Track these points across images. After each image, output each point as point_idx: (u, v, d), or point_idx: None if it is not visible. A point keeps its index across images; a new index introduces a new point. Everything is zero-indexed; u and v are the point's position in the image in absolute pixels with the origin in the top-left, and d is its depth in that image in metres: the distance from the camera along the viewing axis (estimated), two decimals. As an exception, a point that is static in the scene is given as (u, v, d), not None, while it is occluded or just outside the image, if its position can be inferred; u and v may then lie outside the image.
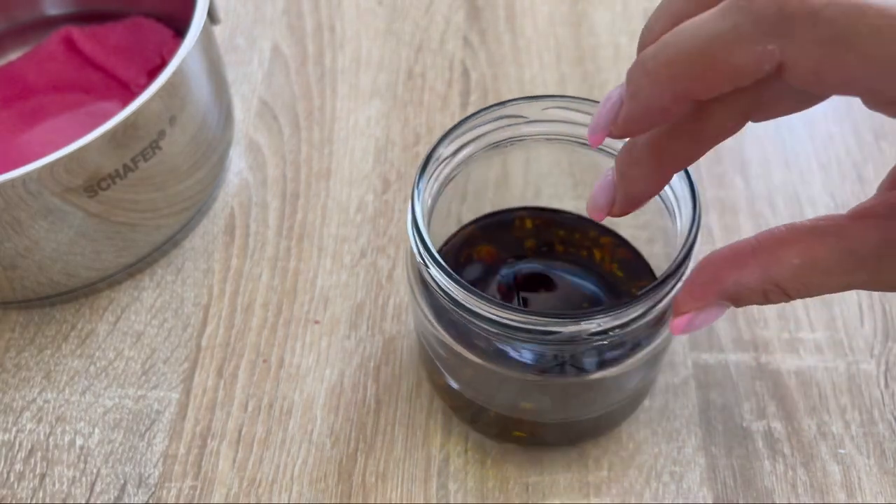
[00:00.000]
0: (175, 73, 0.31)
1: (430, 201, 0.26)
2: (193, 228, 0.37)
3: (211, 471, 0.30)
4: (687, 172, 0.25)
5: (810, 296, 0.21)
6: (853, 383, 0.31)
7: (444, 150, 0.26)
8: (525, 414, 0.28)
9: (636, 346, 0.26)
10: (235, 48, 0.44)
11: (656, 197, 0.26)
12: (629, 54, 0.43)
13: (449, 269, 0.24)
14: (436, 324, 0.26)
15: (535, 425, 0.29)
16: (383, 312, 0.34)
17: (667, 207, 0.27)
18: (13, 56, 0.41)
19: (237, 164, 0.39)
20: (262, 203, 0.38)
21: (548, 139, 0.28)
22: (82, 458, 0.30)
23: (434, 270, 0.24)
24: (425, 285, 0.26)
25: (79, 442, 0.31)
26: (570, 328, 0.23)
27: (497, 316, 0.23)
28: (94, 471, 0.30)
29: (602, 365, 0.26)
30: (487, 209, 0.32)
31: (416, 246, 0.25)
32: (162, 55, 0.39)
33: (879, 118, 0.40)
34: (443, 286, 0.24)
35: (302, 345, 0.33)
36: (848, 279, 0.20)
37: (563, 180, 0.32)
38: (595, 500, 0.29)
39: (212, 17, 0.34)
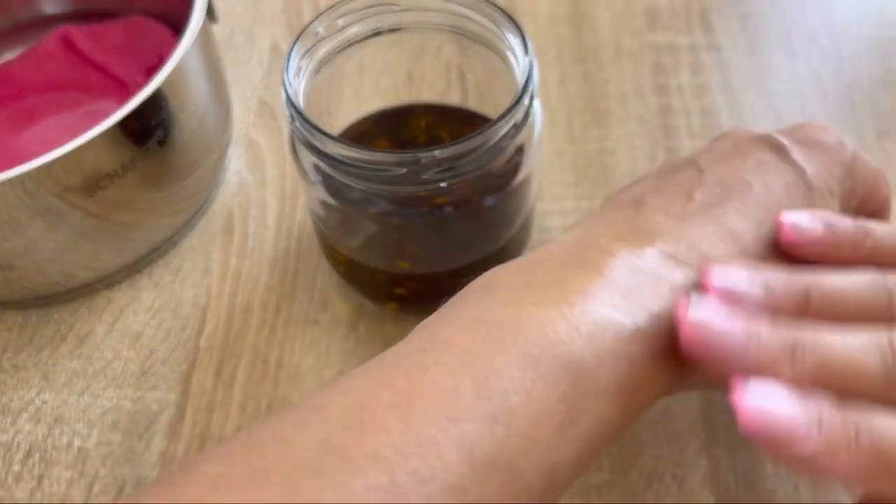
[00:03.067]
0: (173, 72, 0.31)
1: (306, 81, 0.29)
2: (192, 228, 0.37)
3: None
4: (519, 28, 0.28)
5: None
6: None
7: (320, 28, 0.29)
8: (407, 263, 0.31)
9: (486, 184, 0.28)
10: (234, 47, 0.44)
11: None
12: (630, 53, 0.43)
13: (311, 120, 0.26)
14: (317, 186, 0.29)
15: (425, 279, 0.31)
16: (383, 313, 0.34)
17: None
18: (11, 55, 0.41)
19: (236, 163, 0.39)
20: (261, 203, 0.38)
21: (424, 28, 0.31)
22: (80, 459, 0.30)
23: (298, 123, 0.26)
24: (300, 153, 0.29)
25: (77, 443, 0.31)
26: (409, 159, 0.25)
27: (350, 157, 0.26)
28: (93, 472, 0.30)
29: (458, 203, 0.28)
30: (372, 101, 0.35)
31: (288, 104, 0.27)
32: (160, 54, 0.39)
33: (882, 117, 0.39)
34: (309, 140, 0.26)
35: (301, 345, 0.33)
36: None
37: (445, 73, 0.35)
38: (597, 501, 0.28)
39: (210, 15, 0.34)
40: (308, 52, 0.29)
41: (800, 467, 0.19)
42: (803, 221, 0.22)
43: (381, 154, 0.26)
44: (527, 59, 0.27)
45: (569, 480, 0.19)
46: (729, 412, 0.30)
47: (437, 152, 0.25)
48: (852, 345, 0.19)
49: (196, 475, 0.17)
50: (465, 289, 0.22)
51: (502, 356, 0.18)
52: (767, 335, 0.19)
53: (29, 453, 0.30)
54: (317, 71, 0.29)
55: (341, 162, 0.26)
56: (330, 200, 0.29)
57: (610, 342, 0.19)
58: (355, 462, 0.16)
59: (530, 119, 0.28)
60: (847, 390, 0.19)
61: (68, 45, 0.40)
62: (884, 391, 0.19)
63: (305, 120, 0.26)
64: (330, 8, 0.29)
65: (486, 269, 0.23)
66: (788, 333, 0.19)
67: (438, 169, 0.26)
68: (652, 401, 0.21)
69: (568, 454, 0.18)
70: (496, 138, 0.26)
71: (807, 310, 0.20)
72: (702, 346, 0.19)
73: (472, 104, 0.37)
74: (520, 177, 0.29)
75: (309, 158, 0.28)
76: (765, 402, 0.19)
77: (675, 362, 0.20)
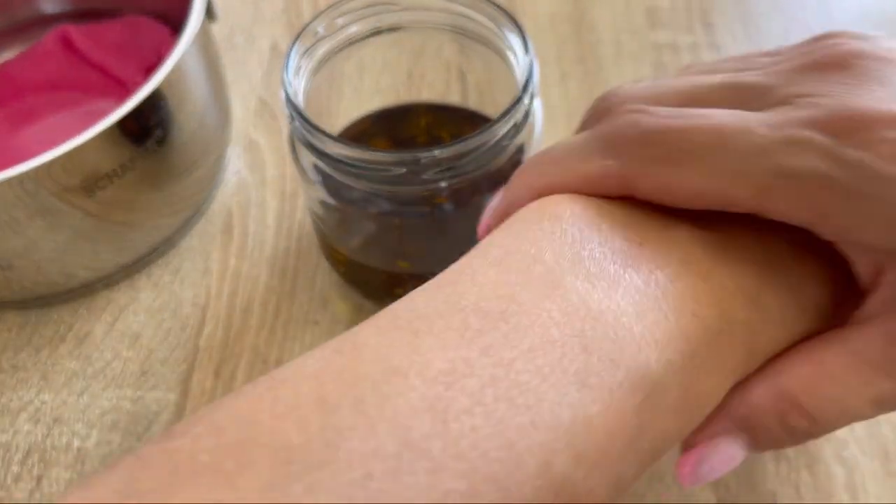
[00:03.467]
0: (172, 72, 0.31)
1: (305, 81, 0.29)
2: (191, 228, 0.37)
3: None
4: (518, 26, 0.28)
5: (836, 422, 0.19)
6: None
7: (319, 27, 0.29)
8: (407, 263, 0.31)
9: (486, 183, 0.28)
10: (234, 46, 0.44)
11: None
12: (630, 52, 0.43)
13: (311, 120, 0.26)
14: (317, 186, 0.29)
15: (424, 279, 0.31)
16: (383, 313, 0.34)
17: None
18: (10, 55, 0.41)
19: (235, 163, 0.39)
20: (260, 203, 0.37)
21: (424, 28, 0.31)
22: (80, 459, 0.30)
23: (298, 123, 0.26)
24: (299, 152, 0.29)
25: (76, 443, 0.31)
26: (409, 158, 0.26)
27: (350, 157, 0.26)
28: (92, 472, 0.30)
29: (458, 203, 0.28)
30: (372, 100, 0.35)
31: (288, 104, 0.27)
32: (159, 54, 0.39)
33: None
34: (309, 140, 0.26)
35: (301, 346, 0.33)
36: (872, 391, 0.18)
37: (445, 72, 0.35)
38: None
39: (210, 14, 0.34)
40: (308, 51, 0.29)
41: None
42: None
43: (380, 154, 0.26)
44: (527, 59, 0.27)
45: (622, 493, 0.18)
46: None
47: (437, 152, 0.25)
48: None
49: (268, 435, 0.15)
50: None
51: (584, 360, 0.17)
52: None
53: (28, 454, 0.30)
54: (316, 70, 0.29)
55: (341, 161, 0.26)
56: (330, 200, 0.29)
57: (679, 354, 0.18)
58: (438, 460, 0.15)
59: (531, 118, 0.28)
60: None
61: (67, 44, 0.40)
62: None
63: (305, 119, 0.26)
64: (329, 7, 0.29)
65: None
66: None
67: (438, 169, 0.26)
68: (705, 414, 0.19)
69: (632, 468, 0.17)
70: (496, 138, 0.26)
71: None
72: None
73: (472, 104, 0.37)
74: (520, 176, 0.29)
75: (308, 158, 0.28)
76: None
77: (731, 375, 0.19)
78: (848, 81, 0.18)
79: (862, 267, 0.19)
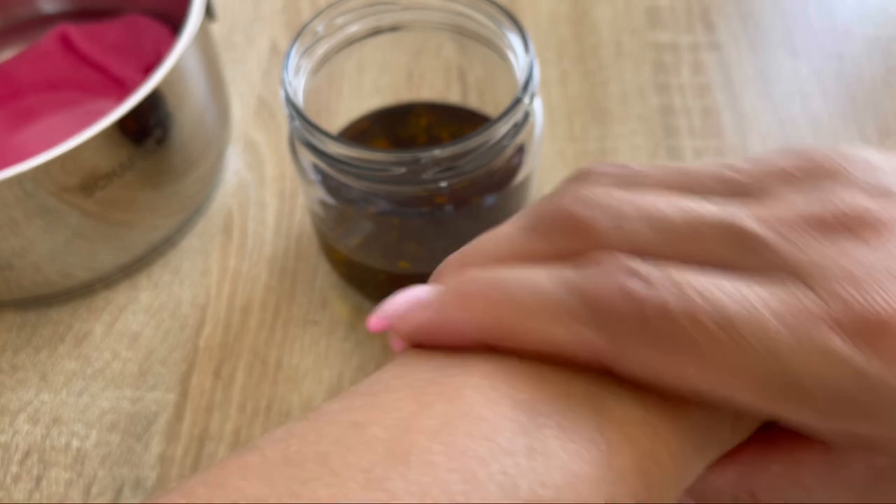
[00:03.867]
0: (172, 71, 0.30)
1: (305, 80, 0.29)
2: (191, 228, 0.37)
3: (208, 473, 0.30)
4: (522, 31, 0.28)
5: None
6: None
7: (319, 27, 0.29)
8: (407, 263, 0.30)
9: (486, 183, 0.28)
10: (233, 46, 0.44)
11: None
12: (630, 52, 0.43)
13: (311, 119, 0.26)
14: (316, 185, 0.29)
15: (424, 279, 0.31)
16: (383, 313, 0.34)
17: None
18: (9, 54, 0.41)
19: (235, 163, 0.39)
20: (260, 202, 0.37)
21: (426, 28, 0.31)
22: (79, 460, 0.30)
23: (298, 122, 0.26)
24: (299, 152, 0.29)
25: (75, 444, 0.30)
26: (409, 158, 0.25)
27: (350, 157, 0.26)
28: (91, 473, 0.30)
29: (458, 203, 0.28)
30: (372, 98, 0.35)
31: (287, 103, 0.27)
32: (159, 53, 0.39)
33: (884, 116, 0.39)
34: (308, 139, 0.26)
35: (300, 346, 0.33)
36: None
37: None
38: (597, 503, 0.28)
39: (209, 14, 0.34)
40: (307, 50, 0.29)
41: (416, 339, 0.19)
42: None
43: (380, 153, 0.25)
44: (527, 58, 0.27)
45: None
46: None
47: (437, 152, 0.25)
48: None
49: (235, 494, 0.15)
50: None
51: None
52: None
53: (27, 454, 0.30)
54: (316, 70, 0.29)
55: (341, 161, 0.26)
56: (329, 200, 0.29)
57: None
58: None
59: (531, 118, 0.28)
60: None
61: (67, 44, 0.40)
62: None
63: (304, 119, 0.26)
64: (329, 6, 0.29)
65: None
66: None
67: (438, 168, 0.26)
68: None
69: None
70: (496, 138, 0.26)
71: None
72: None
73: (472, 103, 0.37)
74: (520, 176, 0.29)
75: (308, 158, 0.28)
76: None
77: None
78: (865, 259, 0.16)
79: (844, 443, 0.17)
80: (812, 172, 0.18)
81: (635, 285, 0.16)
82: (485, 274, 0.18)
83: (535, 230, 0.19)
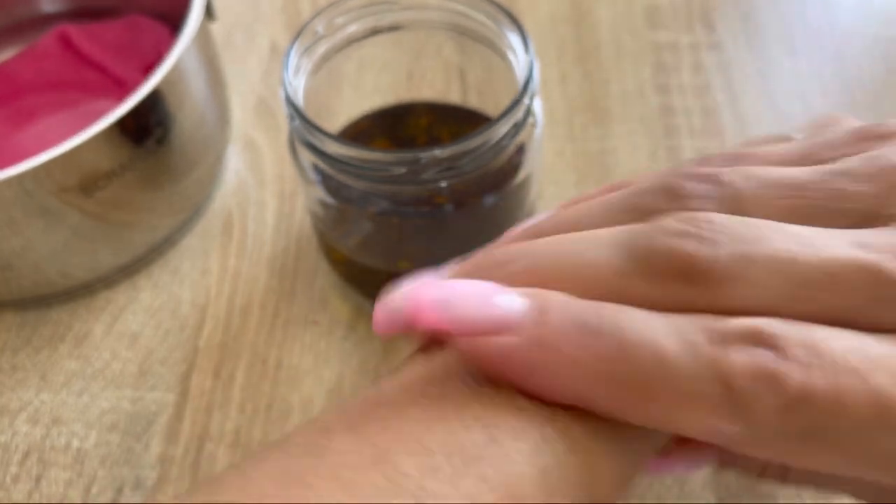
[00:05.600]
0: (171, 71, 0.30)
1: (305, 80, 0.29)
2: (191, 228, 0.37)
3: (209, 473, 0.29)
4: (522, 31, 0.27)
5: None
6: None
7: (319, 26, 0.29)
8: (407, 263, 0.31)
9: (486, 183, 0.28)
10: (233, 45, 0.44)
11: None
12: (631, 52, 0.43)
13: (310, 119, 0.26)
14: (316, 185, 0.29)
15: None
16: (383, 313, 0.34)
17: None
18: (9, 54, 0.41)
19: (235, 162, 0.39)
20: (260, 202, 0.37)
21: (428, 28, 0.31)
22: (78, 460, 0.30)
23: (298, 122, 0.26)
24: (299, 152, 0.29)
25: (75, 444, 0.30)
26: (409, 158, 0.25)
27: (350, 157, 0.26)
28: (91, 473, 0.30)
29: (458, 203, 0.28)
30: (372, 99, 0.35)
31: (287, 103, 0.26)
32: (159, 53, 0.39)
33: (884, 116, 0.39)
34: (308, 139, 0.26)
35: (300, 346, 0.33)
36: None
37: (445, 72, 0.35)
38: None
39: (209, 13, 0.34)
40: (307, 50, 0.29)
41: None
42: None
43: (380, 153, 0.25)
44: (527, 58, 0.27)
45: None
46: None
47: (437, 152, 0.25)
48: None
49: None
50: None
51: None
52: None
53: (27, 454, 0.30)
54: (316, 70, 0.29)
55: (340, 161, 0.26)
56: (329, 200, 0.29)
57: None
58: None
59: (531, 118, 0.28)
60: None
61: (66, 43, 0.40)
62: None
63: (304, 119, 0.26)
64: (329, 6, 0.29)
65: None
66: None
67: (438, 168, 0.26)
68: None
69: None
70: (496, 138, 0.26)
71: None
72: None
73: (472, 103, 0.37)
74: (520, 176, 0.29)
75: (308, 157, 0.28)
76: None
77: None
78: None
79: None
80: None
81: (784, 370, 0.13)
82: (594, 313, 0.14)
83: (636, 266, 0.15)
